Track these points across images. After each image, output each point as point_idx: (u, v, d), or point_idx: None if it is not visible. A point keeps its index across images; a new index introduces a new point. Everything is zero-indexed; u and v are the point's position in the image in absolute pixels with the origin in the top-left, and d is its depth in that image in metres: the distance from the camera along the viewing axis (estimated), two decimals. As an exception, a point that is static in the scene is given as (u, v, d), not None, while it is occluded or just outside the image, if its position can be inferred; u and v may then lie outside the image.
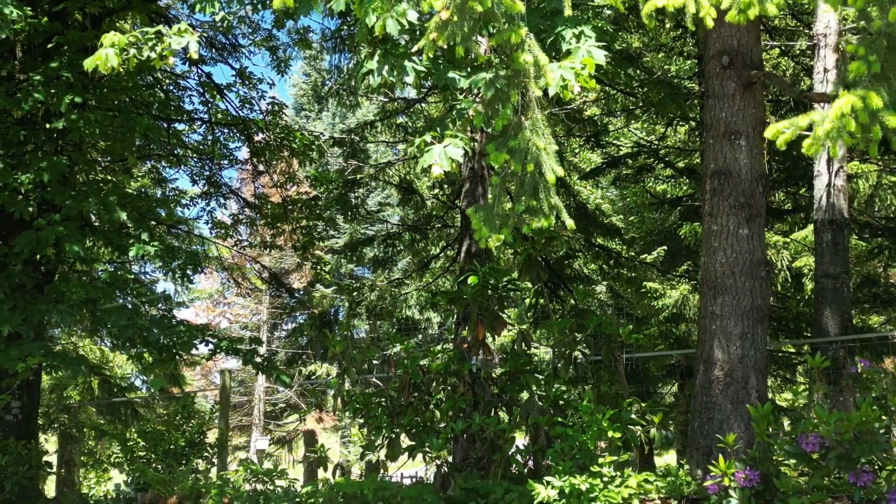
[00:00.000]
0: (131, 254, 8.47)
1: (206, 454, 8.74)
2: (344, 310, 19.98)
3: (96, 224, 9.93)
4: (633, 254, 17.87)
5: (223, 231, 14.04)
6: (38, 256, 8.54)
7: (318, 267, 14.24)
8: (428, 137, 5.44)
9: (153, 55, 6.18)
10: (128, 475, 8.93)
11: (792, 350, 17.26)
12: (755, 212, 7.70)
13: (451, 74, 5.70)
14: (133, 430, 9.14)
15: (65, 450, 19.59)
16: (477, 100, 5.51)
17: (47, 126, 8.93)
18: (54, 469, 11.25)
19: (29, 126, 9.11)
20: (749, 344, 7.51)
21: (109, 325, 8.13)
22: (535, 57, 4.58)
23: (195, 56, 6.07)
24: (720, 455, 6.58)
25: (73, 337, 18.99)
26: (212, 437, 9.49)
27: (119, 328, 8.07)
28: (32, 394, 10.10)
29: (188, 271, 9.05)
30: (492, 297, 8.43)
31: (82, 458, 16.93)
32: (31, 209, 8.56)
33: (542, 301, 8.64)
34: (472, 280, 8.28)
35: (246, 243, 15.21)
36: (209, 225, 14.13)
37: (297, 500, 7.92)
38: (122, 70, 6.34)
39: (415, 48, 5.07)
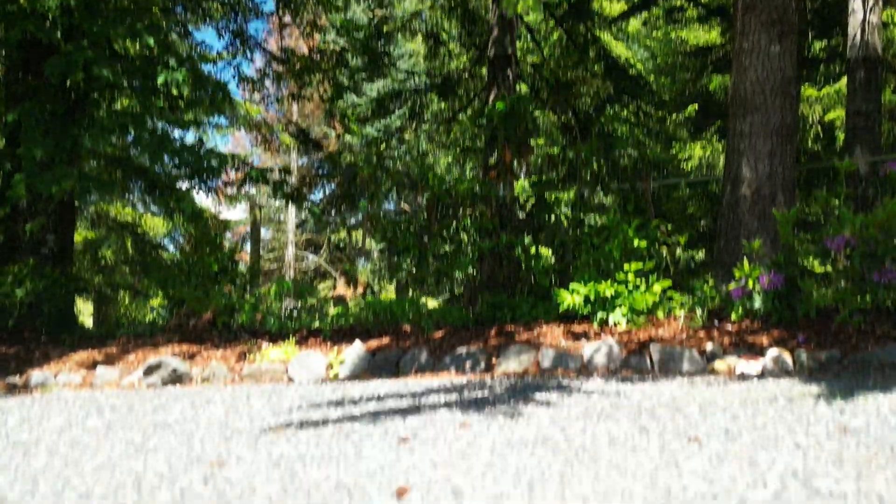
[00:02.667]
0: (159, 80, 8.44)
1: (237, 281, 8.90)
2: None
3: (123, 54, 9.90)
4: (662, 113, 17.61)
5: (250, 86, 13.97)
6: (67, 83, 8.56)
7: (346, 120, 14.18)
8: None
9: None
10: (163, 299, 9.14)
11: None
12: (787, 28, 7.57)
13: None
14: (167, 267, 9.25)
15: (100, 312, 20.13)
16: None
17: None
18: (91, 295, 11.52)
19: (53, -48, 9.03)
20: (777, 161, 7.48)
21: (142, 148, 8.19)
22: None
23: None
24: (745, 259, 6.64)
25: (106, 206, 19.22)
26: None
27: (152, 152, 8.15)
28: (66, 227, 10.28)
29: (217, 102, 9.04)
30: (518, 123, 8.41)
31: (118, 319, 17.36)
32: (58, 34, 8.55)
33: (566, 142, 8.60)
34: (499, 105, 8.25)
35: (273, 98, 15.13)
36: (236, 79, 14.08)
37: (328, 317, 8.13)
38: None
39: None
